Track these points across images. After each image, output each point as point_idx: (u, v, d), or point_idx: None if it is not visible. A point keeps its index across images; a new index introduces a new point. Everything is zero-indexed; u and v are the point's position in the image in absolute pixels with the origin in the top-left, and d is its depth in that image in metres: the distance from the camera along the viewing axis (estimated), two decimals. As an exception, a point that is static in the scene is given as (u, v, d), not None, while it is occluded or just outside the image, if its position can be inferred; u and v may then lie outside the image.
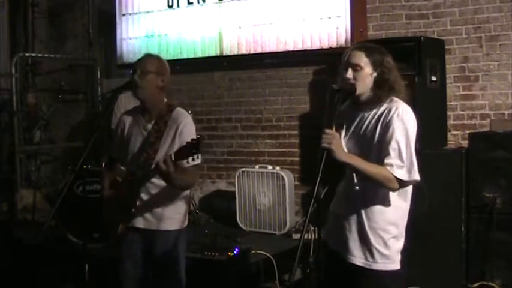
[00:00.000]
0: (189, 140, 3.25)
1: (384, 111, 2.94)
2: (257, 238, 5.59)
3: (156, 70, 3.63)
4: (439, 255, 4.63)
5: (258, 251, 5.00)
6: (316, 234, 2.90)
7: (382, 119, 2.92)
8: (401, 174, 2.84)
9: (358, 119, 3.02)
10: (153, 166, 3.49)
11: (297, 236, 5.52)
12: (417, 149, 2.92)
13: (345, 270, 3.01)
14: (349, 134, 3.03)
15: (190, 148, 3.22)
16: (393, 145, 2.86)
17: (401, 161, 2.85)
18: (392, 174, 2.83)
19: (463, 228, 4.63)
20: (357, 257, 2.98)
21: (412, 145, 2.91)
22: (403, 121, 2.90)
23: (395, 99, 2.97)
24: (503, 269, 4.54)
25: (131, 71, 3.67)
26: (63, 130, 7.91)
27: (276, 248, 5.16)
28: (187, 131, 3.60)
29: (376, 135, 2.92)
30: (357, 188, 2.99)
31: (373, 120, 2.95)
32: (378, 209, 2.97)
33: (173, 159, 3.27)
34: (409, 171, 2.87)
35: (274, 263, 4.93)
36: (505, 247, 4.50)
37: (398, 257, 2.99)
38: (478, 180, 4.60)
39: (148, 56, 3.75)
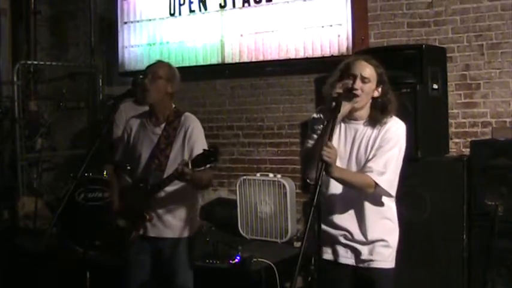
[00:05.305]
0: (207, 149, 3.32)
1: (380, 130, 3.02)
2: (258, 246, 5.57)
3: (166, 76, 3.72)
4: (440, 263, 4.61)
5: (259, 259, 4.98)
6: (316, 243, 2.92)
7: (379, 137, 3.01)
8: (381, 180, 2.93)
9: (352, 135, 3.08)
10: (165, 175, 3.54)
11: (298, 244, 5.51)
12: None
13: (356, 278, 3.12)
14: (339, 148, 3.05)
15: (208, 156, 3.30)
16: (384, 155, 2.96)
17: (384, 169, 2.94)
18: (372, 179, 2.92)
19: (464, 236, 4.62)
20: (374, 260, 3.07)
21: (401, 162, 3.01)
22: (399, 138, 3.01)
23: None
24: (506, 277, 4.52)
25: (141, 76, 3.76)
26: (65, 138, 7.91)
27: (277, 256, 5.14)
28: (196, 135, 3.67)
29: (373, 152, 3.00)
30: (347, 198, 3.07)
31: (371, 140, 3.02)
32: (379, 210, 3.08)
33: (190, 167, 3.31)
34: (390, 183, 2.97)
35: (276, 271, 4.91)
36: (507, 255, 4.48)
37: None
38: (479, 188, 4.59)
39: (159, 62, 3.87)
